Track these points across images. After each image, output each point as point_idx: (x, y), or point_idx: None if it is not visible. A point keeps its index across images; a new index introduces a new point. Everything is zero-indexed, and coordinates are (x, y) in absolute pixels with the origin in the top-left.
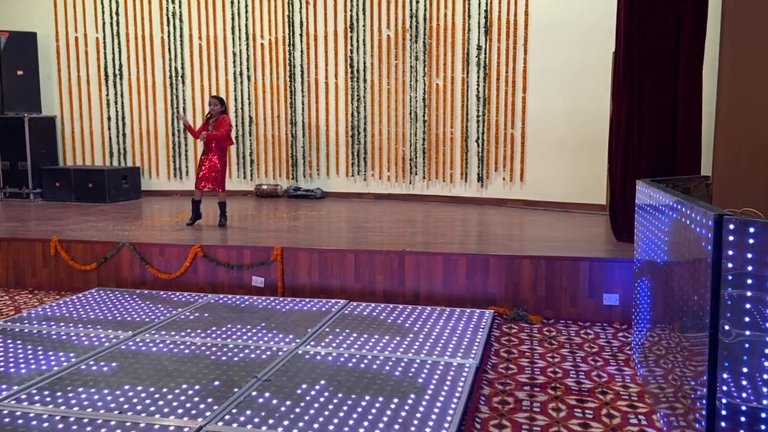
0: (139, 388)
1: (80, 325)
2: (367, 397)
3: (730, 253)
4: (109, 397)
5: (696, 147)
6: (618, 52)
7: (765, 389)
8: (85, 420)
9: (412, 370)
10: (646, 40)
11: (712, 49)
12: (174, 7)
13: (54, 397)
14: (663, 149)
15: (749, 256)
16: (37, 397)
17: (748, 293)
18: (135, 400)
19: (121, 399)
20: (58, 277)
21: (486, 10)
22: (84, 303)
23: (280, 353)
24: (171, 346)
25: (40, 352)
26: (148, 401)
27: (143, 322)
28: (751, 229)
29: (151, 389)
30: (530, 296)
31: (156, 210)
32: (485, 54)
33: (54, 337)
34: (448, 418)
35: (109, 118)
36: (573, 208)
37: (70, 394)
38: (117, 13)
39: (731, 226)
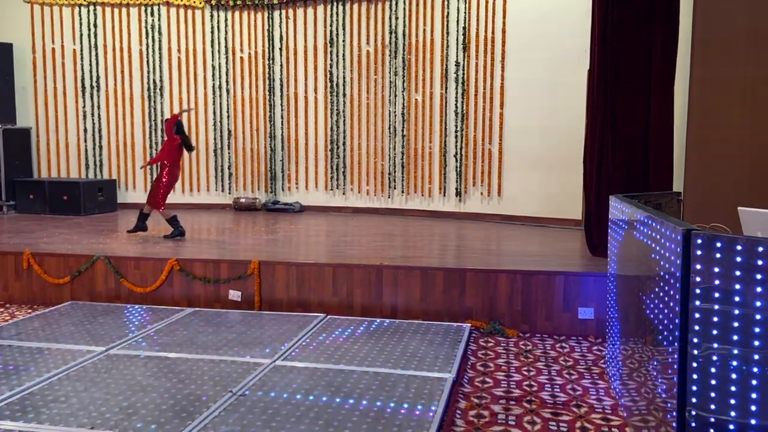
0: (112, 403)
1: (53, 340)
2: (343, 412)
3: (698, 267)
4: (81, 413)
5: (668, 164)
6: (592, 70)
7: (733, 401)
8: None
9: (389, 383)
10: (620, 61)
11: (683, 70)
12: (153, 20)
13: (25, 413)
14: (636, 166)
15: (716, 270)
16: (7, 413)
17: (716, 307)
18: (108, 416)
19: (94, 414)
20: (30, 290)
21: (464, 27)
22: (57, 317)
23: (257, 368)
24: (145, 360)
25: (11, 367)
26: (121, 416)
27: (117, 337)
28: (718, 244)
29: (124, 404)
30: (506, 310)
31: (132, 223)
32: (463, 70)
33: (26, 351)
34: None
35: (85, 130)
36: (549, 223)
37: (42, 410)
38: (95, 25)
39: (699, 241)
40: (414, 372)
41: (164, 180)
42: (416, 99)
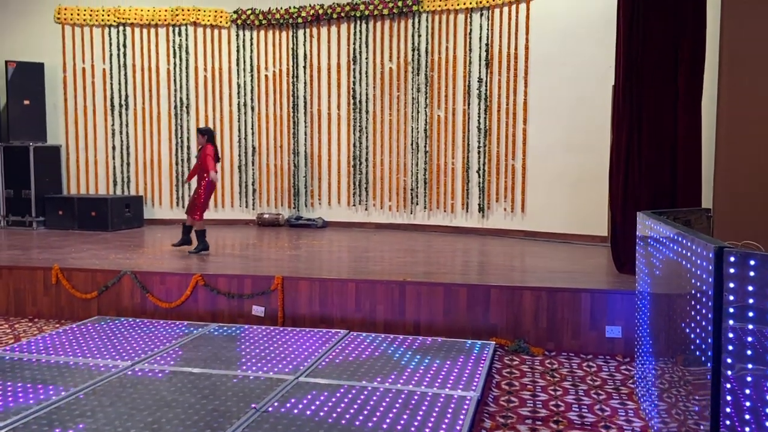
0: (138, 418)
1: (79, 354)
2: (366, 430)
3: (732, 285)
4: (107, 428)
5: (696, 179)
6: (617, 85)
7: None
8: None
9: (413, 402)
10: (645, 75)
11: (711, 84)
12: (180, 40)
13: (52, 427)
14: (663, 181)
15: (750, 288)
16: (34, 427)
17: (750, 326)
18: (133, 431)
19: (119, 429)
20: (58, 305)
21: (487, 44)
22: (84, 332)
23: (280, 383)
24: (170, 375)
25: (38, 381)
26: None
27: (143, 352)
28: (752, 262)
29: (149, 420)
30: (532, 328)
31: (158, 239)
32: (486, 86)
33: (53, 365)
34: None
35: (114, 148)
36: (574, 239)
37: (69, 424)
38: (124, 45)
39: (732, 259)
40: (438, 390)
41: (202, 190)
42: (439, 115)
